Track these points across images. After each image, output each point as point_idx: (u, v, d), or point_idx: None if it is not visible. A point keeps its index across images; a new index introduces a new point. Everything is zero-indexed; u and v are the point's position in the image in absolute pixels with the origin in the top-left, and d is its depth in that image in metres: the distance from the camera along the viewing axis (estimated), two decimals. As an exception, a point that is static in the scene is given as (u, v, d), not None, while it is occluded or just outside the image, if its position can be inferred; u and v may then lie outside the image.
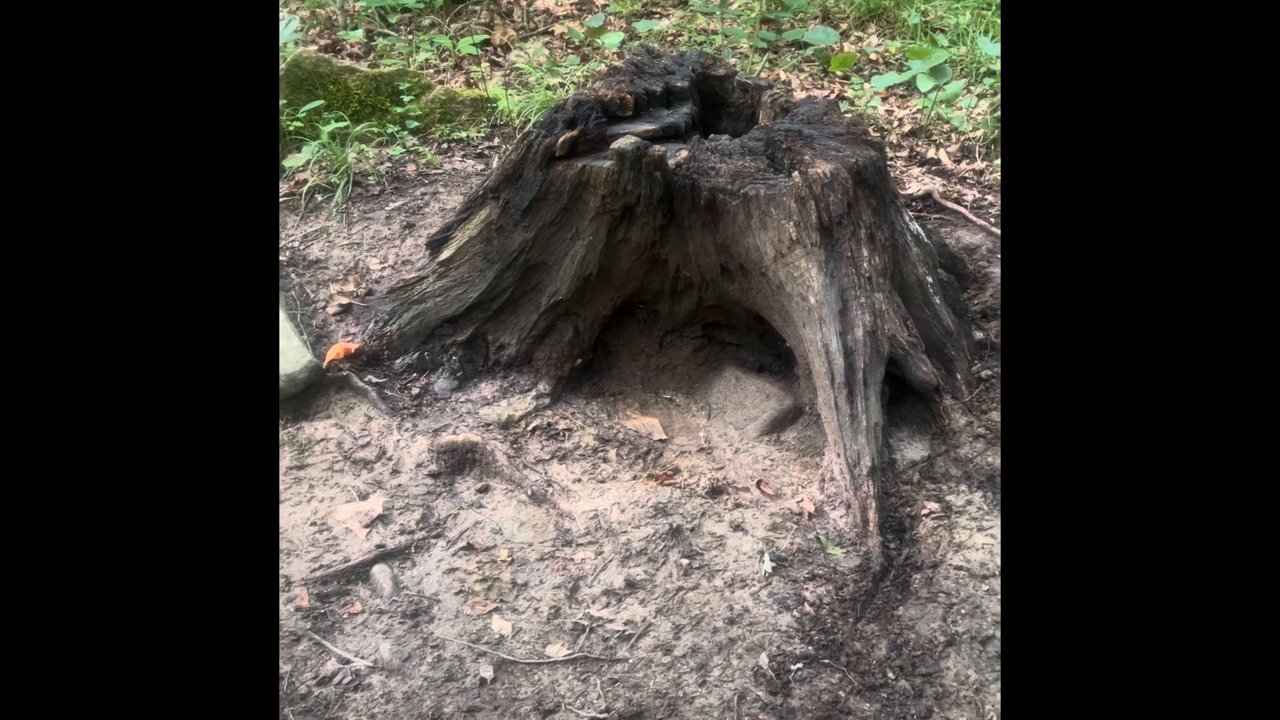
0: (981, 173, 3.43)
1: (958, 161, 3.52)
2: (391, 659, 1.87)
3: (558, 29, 5.24)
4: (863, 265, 2.29)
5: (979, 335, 2.69)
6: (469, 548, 2.10)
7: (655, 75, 2.67)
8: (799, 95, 3.86)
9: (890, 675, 1.80)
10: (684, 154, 2.37)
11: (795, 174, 2.25)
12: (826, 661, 1.82)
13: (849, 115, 2.62)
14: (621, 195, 2.33)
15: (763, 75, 4.37)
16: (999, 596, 1.95)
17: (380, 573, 2.04)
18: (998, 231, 3.05)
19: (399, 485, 2.25)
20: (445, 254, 2.59)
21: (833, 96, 4.21)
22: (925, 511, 2.17)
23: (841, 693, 1.77)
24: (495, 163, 3.32)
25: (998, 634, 1.87)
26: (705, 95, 2.76)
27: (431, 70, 4.31)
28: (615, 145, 2.30)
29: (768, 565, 2.02)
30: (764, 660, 1.82)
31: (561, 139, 2.36)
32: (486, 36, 4.59)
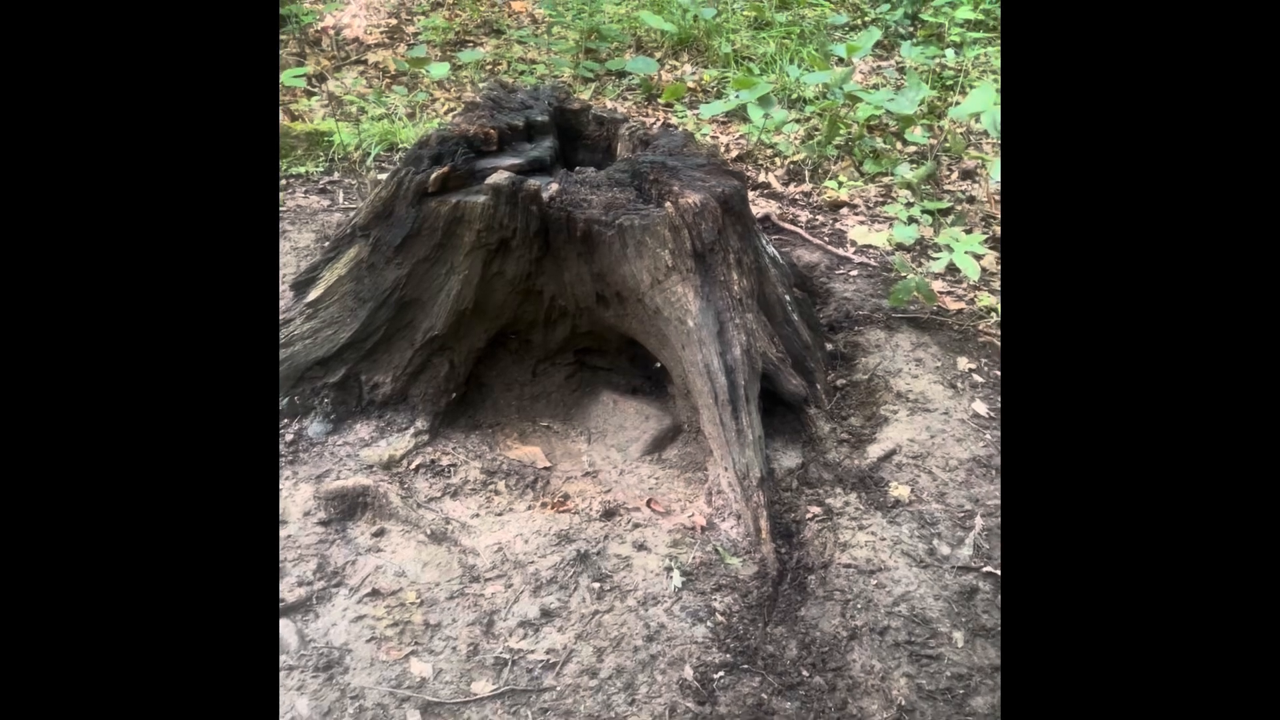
0: (809, 194, 3.66)
1: (786, 185, 3.75)
2: (311, 715, 1.82)
3: (371, 57, 5.16)
4: (734, 288, 2.42)
5: (830, 347, 2.88)
6: (374, 593, 2.07)
7: (514, 109, 2.71)
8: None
9: (805, 673, 1.92)
10: (555, 187, 2.43)
11: (668, 204, 2.35)
12: (745, 667, 1.92)
13: (706, 146, 2.75)
14: (498, 229, 2.36)
15: (592, 103, 4.49)
16: (887, 590, 2.11)
17: (283, 628, 1.98)
18: (834, 250, 3.27)
19: (288, 536, 2.18)
20: (313, 295, 2.52)
21: (658, 124, 4.38)
22: (809, 515, 2.31)
23: (764, 695, 1.87)
24: (341, 198, 3.25)
25: (893, 624, 2.03)
26: (561, 128, 2.82)
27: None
28: (490, 180, 2.33)
29: (677, 580, 2.10)
30: (688, 672, 1.90)
31: (434, 175, 2.36)
32: (306, 69, 4.47)
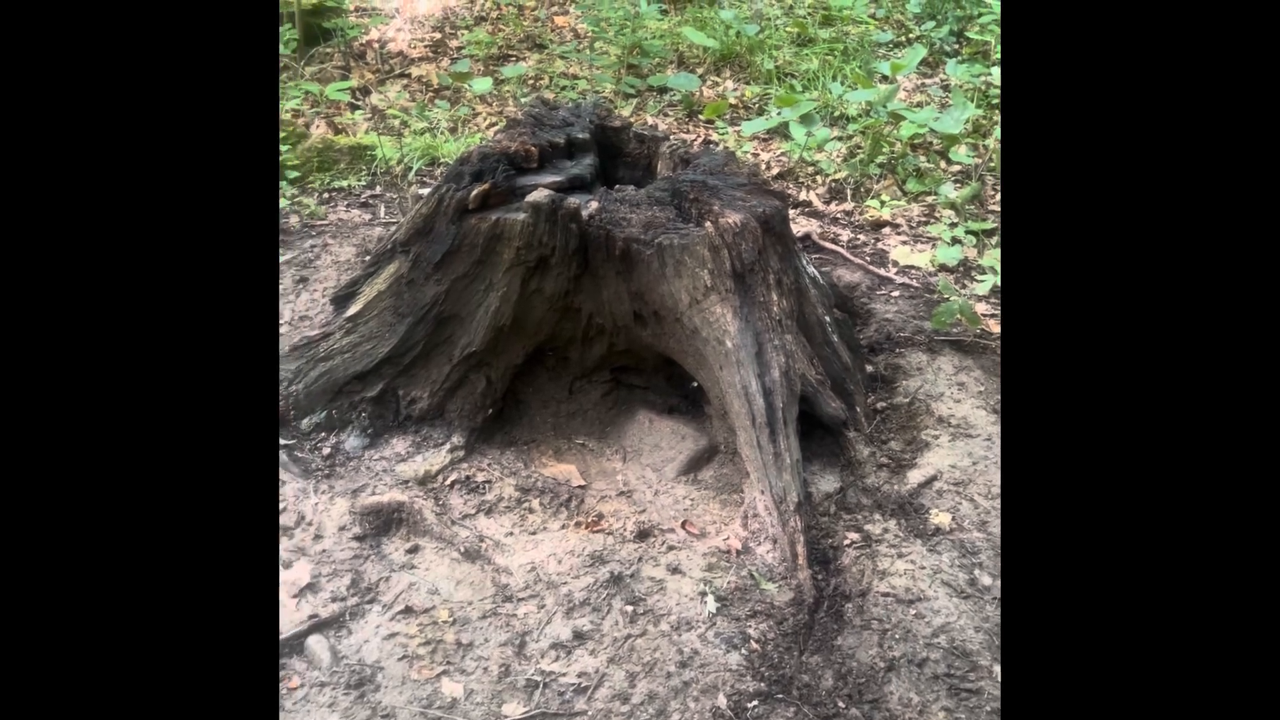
0: (850, 213, 3.63)
1: (827, 203, 3.71)
2: (341, 733, 1.81)
3: (414, 71, 5.21)
4: (773, 309, 2.40)
5: (870, 369, 2.85)
6: (407, 610, 2.06)
7: (555, 127, 2.71)
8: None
9: (841, 704, 1.88)
10: (595, 205, 2.42)
11: (708, 224, 2.34)
12: (780, 696, 1.89)
13: (747, 165, 2.73)
14: (537, 247, 2.36)
15: (633, 120, 4.49)
16: (927, 620, 2.07)
17: (316, 643, 1.97)
18: (875, 270, 3.23)
19: (323, 551, 2.18)
20: (352, 309, 2.54)
21: (699, 141, 4.36)
22: (847, 542, 2.27)
23: (799, 725, 1.84)
24: (382, 212, 3.27)
25: (932, 656, 1.98)
26: (602, 146, 2.82)
27: (295, 116, 4.21)
28: (530, 198, 2.33)
29: (711, 606, 2.07)
30: (722, 700, 1.87)
31: (475, 192, 2.36)
32: (351, 83, 4.51)
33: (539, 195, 2.33)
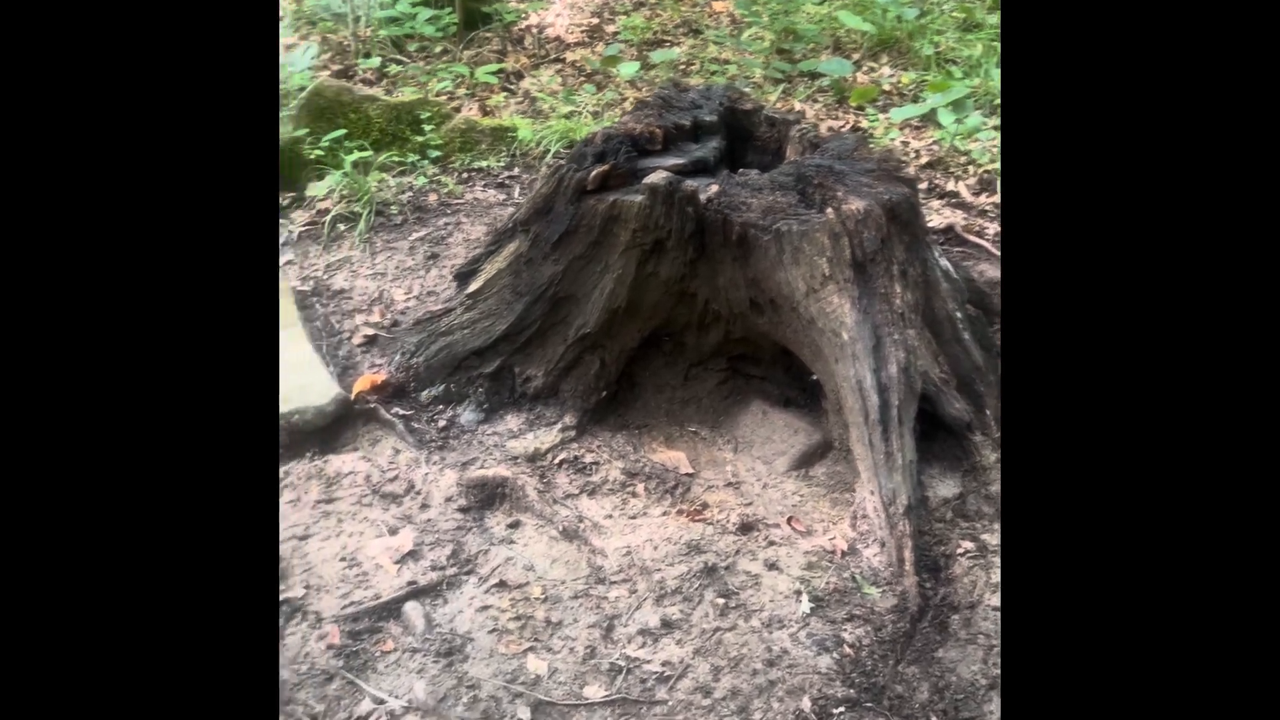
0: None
1: (977, 194, 3.53)
2: (426, 699, 1.84)
3: (569, 56, 5.26)
4: (895, 302, 2.29)
5: (1005, 370, 2.69)
6: (501, 585, 2.08)
7: (683, 109, 2.67)
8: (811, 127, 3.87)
9: (934, 720, 1.79)
10: (714, 189, 2.37)
11: (829, 210, 2.25)
12: (869, 705, 1.81)
13: (878, 151, 2.62)
14: (653, 229, 2.33)
15: (778, 106, 4.39)
16: (1039, 638, 1.93)
17: (412, 610, 2.02)
18: (1020, 266, 3.05)
19: (428, 520, 2.23)
20: (473, 286, 2.58)
21: (847, 127, 4.23)
22: (960, 550, 2.16)
23: (885, 738, 1.75)
24: (517, 193, 3.32)
25: (1040, 677, 1.85)
26: (731, 129, 2.76)
27: (447, 98, 4.32)
28: (647, 180, 2.30)
29: (805, 606, 2.00)
30: (806, 704, 1.80)
31: (593, 173, 2.36)
32: (503, 65, 4.60)
33: (656, 177, 2.30)
